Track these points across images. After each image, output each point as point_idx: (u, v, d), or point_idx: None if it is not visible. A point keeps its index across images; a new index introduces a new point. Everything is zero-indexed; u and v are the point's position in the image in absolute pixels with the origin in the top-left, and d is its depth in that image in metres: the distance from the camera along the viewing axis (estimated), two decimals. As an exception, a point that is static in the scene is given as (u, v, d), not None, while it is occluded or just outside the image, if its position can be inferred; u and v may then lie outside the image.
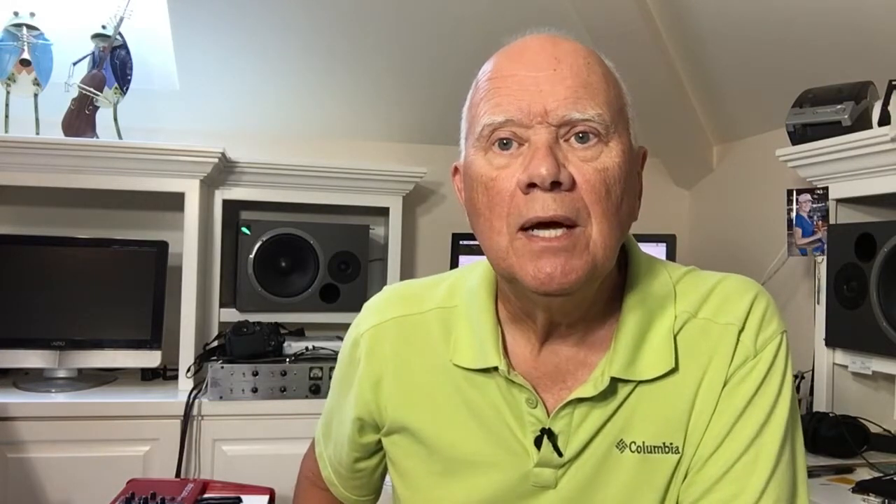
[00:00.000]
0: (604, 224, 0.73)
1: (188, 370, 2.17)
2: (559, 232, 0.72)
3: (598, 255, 0.73)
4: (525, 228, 0.73)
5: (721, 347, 0.80)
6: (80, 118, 2.18)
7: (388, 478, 1.00)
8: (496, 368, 0.82)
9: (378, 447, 0.96)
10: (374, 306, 0.95)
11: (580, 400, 0.80)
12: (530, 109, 0.73)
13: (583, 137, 0.73)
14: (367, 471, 1.00)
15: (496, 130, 0.74)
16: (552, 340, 0.83)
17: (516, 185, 0.73)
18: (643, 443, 0.80)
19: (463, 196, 0.82)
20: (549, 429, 0.81)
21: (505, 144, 0.75)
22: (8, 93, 2.20)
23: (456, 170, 0.85)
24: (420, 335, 0.89)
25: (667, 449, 0.80)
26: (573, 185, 0.72)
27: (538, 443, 0.81)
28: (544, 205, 0.72)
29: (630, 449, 0.80)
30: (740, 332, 0.80)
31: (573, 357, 0.83)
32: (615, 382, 0.80)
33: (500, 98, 0.74)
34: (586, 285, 0.75)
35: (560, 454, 0.81)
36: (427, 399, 0.87)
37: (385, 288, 0.98)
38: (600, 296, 0.81)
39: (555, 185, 0.71)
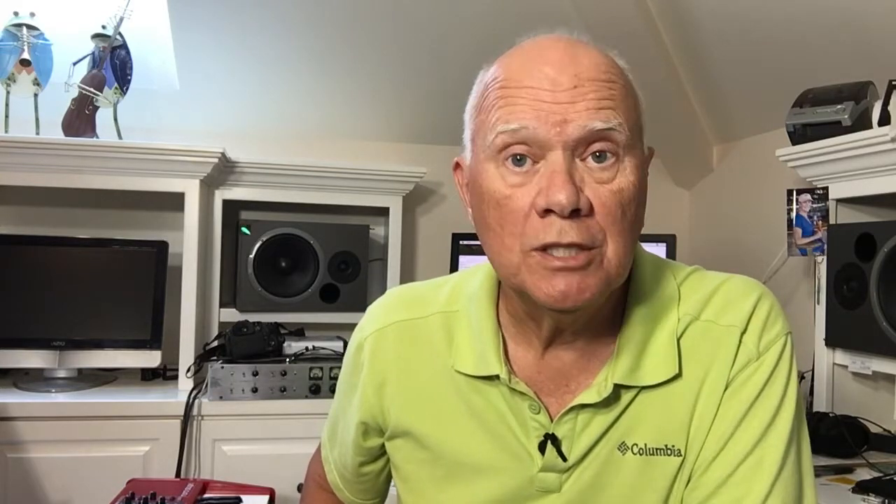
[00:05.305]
0: (619, 242, 0.73)
1: (188, 370, 2.17)
2: (574, 252, 0.71)
3: (612, 271, 0.73)
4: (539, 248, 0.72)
5: (723, 350, 0.79)
6: (80, 118, 2.18)
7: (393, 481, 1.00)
8: (498, 376, 0.82)
9: (382, 451, 0.96)
10: (378, 310, 0.95)
11: (583, 405, 0.80)
12: (548, 119, 0.70)
13: (600, 157, 0.72)
14: (371, 474, 1.00)
15: (510, 145, 0.72)
16: (555, 345, 0.82)
17: (531, 207, 0.71)
18: (645, 445, 0.80)
19: (466, 194, 0.81)
20: (553, 434, 0.81)
21: (519, 161, 0.72)
22: (8, 93, 2.20)
23: (457, 165, 0.83)
24: (423, 339, 0.89)
25: (669, 451, 0.80)
26: (591, 210, 0.71)
27: (542, 448, 0.81)
28: (562, 231, 0.70)
29: (632, 451, 0.80)
30: (742, 333, 0.80)
31: (576, 362, 0.82)
32: (618, 388, 0.79)
33: (516, 108, 0.72)
34: (599, 300, 0.75)
35: (564, 459, 0.80)
36: (430, 403, 0.87)
37: (388, 291, 0.98)
38: (605, 301, 0.80)
39: (573, 213, 0.70)
